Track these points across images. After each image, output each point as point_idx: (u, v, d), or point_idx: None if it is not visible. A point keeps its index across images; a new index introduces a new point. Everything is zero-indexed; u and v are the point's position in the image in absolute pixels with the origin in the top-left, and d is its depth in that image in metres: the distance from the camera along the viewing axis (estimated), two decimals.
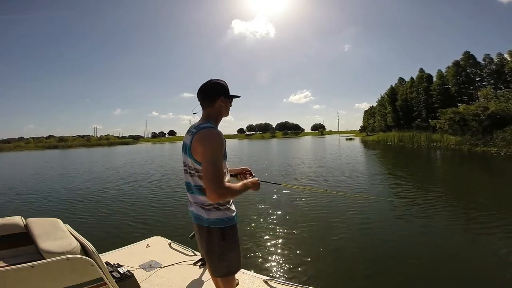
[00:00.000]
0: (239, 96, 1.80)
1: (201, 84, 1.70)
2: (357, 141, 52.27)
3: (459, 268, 3.89)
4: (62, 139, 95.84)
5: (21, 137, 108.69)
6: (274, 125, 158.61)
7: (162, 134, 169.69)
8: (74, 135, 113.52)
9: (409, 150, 26.94)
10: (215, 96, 1.67)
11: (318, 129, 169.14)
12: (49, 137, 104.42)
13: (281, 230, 5.56)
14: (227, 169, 1.71)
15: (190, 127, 1.68)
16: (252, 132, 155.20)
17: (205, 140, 1.53)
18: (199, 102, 1.71)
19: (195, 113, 1.73)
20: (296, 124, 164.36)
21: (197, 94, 1.70)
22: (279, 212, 6.58)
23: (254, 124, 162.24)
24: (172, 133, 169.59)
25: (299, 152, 28.49)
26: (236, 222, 1.69)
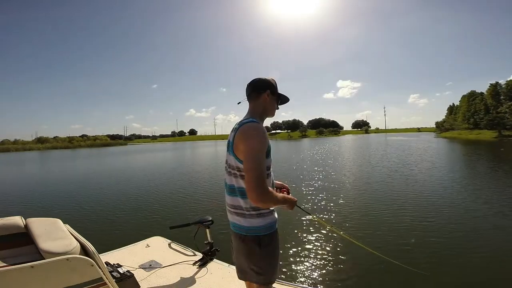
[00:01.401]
0: (287, 98, 1.76)
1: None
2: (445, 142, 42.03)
3: None
4: (40, 139, 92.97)
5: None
6: (305, 122, 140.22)
7: (182, 133, 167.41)
8: (105, 134, 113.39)
9: None
10: (260, 90, 1.64)
11: (361, 127, 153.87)
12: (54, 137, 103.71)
13: (283, 230, 5.54)
14: (271, 170, 1.61)
15: (236, 124, 1.60)
16: (277, 131, 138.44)
17: (246, 135, 1.46)
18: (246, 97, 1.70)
19: (240, 102, 1.71)
20: (333, 121, 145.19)
21: (247, 86, 1.69)
22: (283, 213, 6.49)
23: (280, 121, 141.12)
24: (192, 132, 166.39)
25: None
26: (275, 229, 1.58)
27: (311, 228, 5.63)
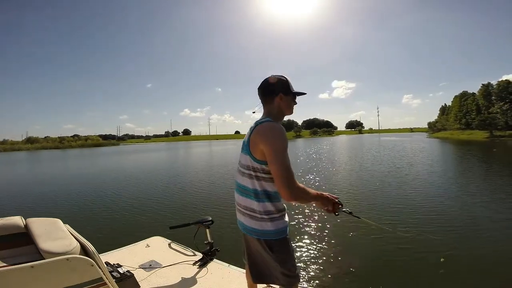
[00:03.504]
0: (304, 93, 1.64)
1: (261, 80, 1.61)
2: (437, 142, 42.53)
3: None
4: (30, 139, 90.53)
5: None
6: (299, 122, 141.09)
7: (176, 133, 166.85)
8: (97, 134, 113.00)
9: None
10: (273, 94, 1.56)
11: (355, 127, 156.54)
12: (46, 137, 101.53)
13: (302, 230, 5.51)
14: None
15: (253, 123, 1.56)
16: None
17: (266, 135, 1.41)
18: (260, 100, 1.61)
19: (254, 112, 1.65)
20: (327, 121, 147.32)
21: (257, 91, 1.62)
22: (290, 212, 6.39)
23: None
24: (186, 132, 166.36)
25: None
26: (287, 235, 1.52)
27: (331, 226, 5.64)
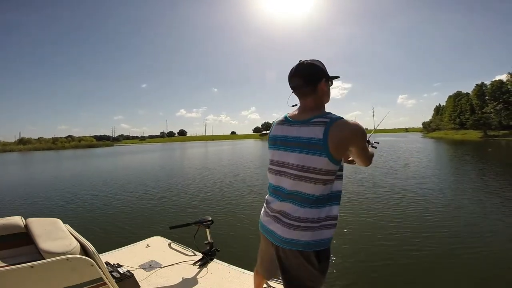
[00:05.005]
0: (338, 77, 1.43)
1: (290, 69, 1.39)
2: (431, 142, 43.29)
3: None
4: (22, 140, 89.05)
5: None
6: None
7: (171, 133, 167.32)
8: (92, 135, 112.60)
9: None
10: (318, 80, 1.33)
11: None
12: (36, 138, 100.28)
13: None
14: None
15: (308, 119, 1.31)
16: (268, 132, 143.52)
17: (359, 135, 1.29)
18: (292, 91, 1.40)
19: (295, 105, 1.43)
20: None
21: (293, 79, 1.37)
22: None
23: (270, 122, 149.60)
24: (182, 132, 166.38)
25: None
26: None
27: None
